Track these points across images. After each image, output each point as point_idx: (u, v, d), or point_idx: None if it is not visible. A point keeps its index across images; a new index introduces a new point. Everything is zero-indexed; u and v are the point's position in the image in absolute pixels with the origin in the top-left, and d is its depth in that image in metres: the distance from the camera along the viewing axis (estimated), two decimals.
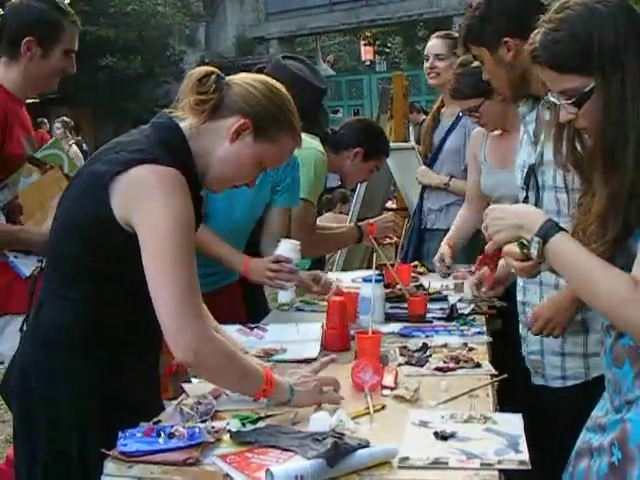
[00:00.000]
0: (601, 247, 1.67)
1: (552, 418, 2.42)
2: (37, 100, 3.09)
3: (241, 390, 1.99)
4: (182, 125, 1.98)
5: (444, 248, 3.43)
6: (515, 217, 1.76)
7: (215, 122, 1.98)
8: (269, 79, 2.07)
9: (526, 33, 2.43)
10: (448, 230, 3.77)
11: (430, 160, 4.35)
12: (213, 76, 1.97)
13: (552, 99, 1.75)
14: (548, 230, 1.69)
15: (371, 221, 3.76)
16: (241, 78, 2.03)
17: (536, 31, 1.74)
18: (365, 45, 26.30)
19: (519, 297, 2.63)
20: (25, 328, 2.06)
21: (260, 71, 2.82)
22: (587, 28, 1.66)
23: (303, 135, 3.45)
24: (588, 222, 1.73)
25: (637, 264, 1.60)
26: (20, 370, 1.98)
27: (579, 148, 1.79)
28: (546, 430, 2.28)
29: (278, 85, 2.06)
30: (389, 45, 26.66)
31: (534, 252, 1.69)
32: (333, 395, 2.02)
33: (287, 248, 2.97)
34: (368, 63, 26.99)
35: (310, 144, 3.43)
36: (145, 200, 1.81)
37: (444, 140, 4.24)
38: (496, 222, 1.78)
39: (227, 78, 2.01)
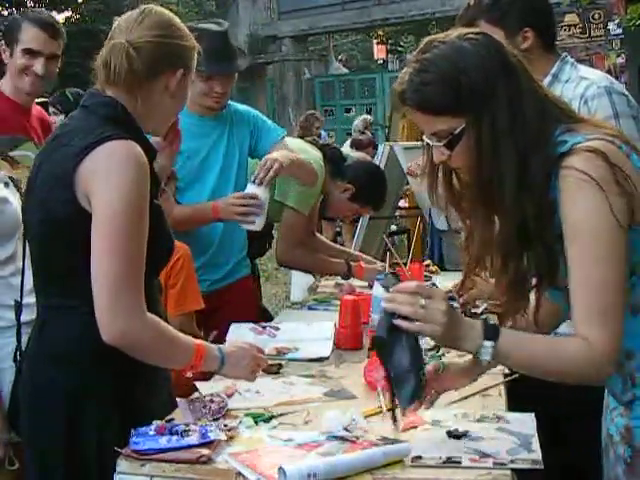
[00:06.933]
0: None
1: None
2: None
3: (170, 366, 1.99)
4: (114, 95, 1.93)
5: None
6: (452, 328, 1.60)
7: (148, 84, 1.94)
8: (158, 18, 2.01)
9: (544, 29, 2.46)
10: (457, 230, 3.73)
11: None
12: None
13: (426, 140, 1.70)
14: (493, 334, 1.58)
15: (363, 265, 3.62)
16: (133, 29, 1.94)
17: (403, 71, 1.67)
18: (378, 44, 26.28)
19: None
20: (26, 348, 2.05)
21: None
22: (455, 68, 1.60)
23: (307, 145, 3.45)
24: (474, 263, 1.73)
25: (580, 322, 1.55)
26: (32, 390, 1.94)
27: (456, 185, 1.75)
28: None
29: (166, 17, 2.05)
30: (402, 44, 26.64)
31: (487, 357, 1.58)
32: (252, 376, 2.03)
33: (254, 185, 2.90)
34: (381, 62, 26.97)
35: (314, 155, 3.40)
36: (100, 181, 1.79)
37: None
38: (435, 317, 1.58)
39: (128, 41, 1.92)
